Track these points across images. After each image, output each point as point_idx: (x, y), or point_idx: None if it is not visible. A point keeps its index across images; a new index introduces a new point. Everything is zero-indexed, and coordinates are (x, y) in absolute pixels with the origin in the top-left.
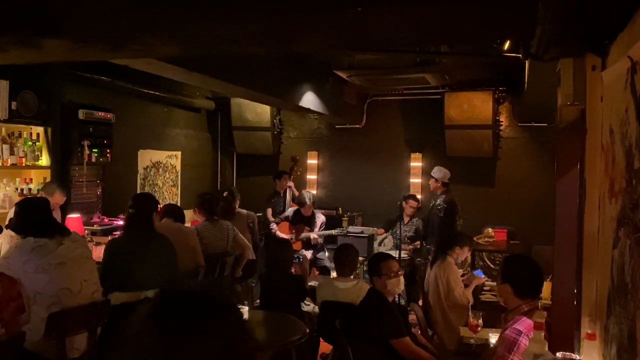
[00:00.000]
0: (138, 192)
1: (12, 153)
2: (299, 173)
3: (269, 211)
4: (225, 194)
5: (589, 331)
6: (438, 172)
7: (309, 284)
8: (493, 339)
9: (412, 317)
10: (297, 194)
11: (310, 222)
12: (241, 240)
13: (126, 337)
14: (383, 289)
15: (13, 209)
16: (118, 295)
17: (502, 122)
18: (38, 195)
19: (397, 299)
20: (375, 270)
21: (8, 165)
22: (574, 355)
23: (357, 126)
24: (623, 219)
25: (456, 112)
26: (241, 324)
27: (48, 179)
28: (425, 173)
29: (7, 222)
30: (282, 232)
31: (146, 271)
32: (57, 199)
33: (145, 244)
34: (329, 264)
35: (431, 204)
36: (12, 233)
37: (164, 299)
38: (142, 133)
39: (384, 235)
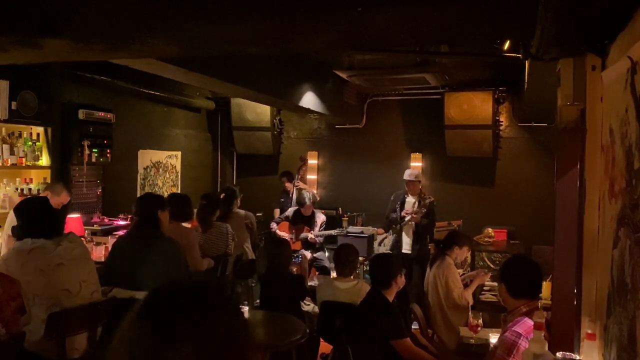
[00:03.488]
0: (138, 192)
1: (12, 153)
2: (305, 173)
3: (277, 211)
4: (222, 196)
5: (589, 331)
6: (418, 174)
7: (309, 284)
8: (493, 339)
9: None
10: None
11: (310, 221)
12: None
13: (118, 336)
14: None
15: (12, 212)
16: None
17: (502, 122)
18: (41, 195)
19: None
20: None
21: (8, 165)
22: (574, 355)
23: (357, 126)
24: (623, 219)
25: (456, 112)
26: (240, 319)
27: (48, 179)
28: (426, 173)
29: (10, 229)
30: (282, 232)
31: (141, 273)
32: (64, 198)
33: (145, 247)
34: (328, 264)
35: (420, 203)
36: (10, 233)
37: (155, 294)
38: (142, 133)
39: (384, 235)
